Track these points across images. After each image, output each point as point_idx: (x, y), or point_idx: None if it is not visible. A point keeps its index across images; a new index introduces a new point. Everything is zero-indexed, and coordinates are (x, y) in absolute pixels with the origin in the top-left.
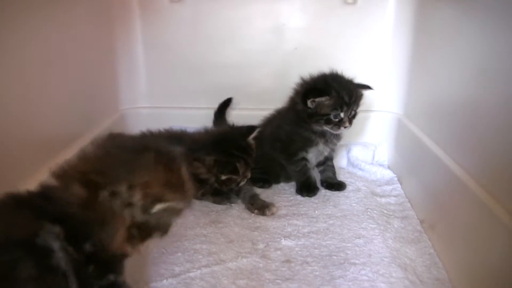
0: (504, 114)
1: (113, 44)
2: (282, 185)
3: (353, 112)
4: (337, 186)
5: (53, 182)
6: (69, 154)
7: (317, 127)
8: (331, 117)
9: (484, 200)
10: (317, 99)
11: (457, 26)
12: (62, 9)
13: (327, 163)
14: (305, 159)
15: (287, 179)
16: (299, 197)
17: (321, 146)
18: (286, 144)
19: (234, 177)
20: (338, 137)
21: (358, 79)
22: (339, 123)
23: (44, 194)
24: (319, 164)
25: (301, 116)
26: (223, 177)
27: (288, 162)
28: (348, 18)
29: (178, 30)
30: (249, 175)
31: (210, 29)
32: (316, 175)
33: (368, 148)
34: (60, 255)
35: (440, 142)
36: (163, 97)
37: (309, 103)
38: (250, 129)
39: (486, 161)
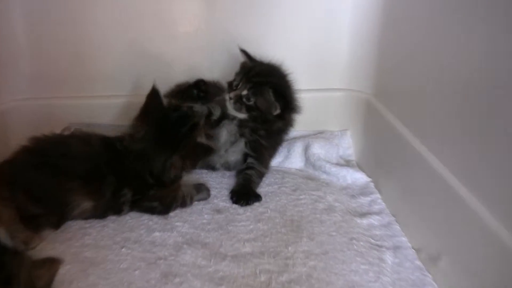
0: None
1: None
2: (235, 208)
3: None
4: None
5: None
6: None
7: None
8: None
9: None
10: None
11: None
12: None
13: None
14: None
15: None
16: (260, 225)
17: None
18: None
19: None
20: None
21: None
22: None
23: None
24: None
25: None
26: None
27: None
28: None
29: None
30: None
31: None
32: None
33: (331, 142)
34: None
35: (420, 133)
36: (52, 86)
37: None
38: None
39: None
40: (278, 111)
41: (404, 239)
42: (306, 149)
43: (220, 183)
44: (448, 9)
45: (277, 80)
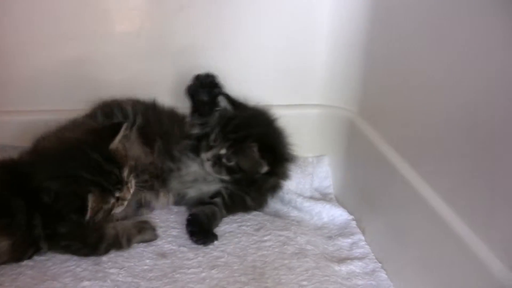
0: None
1: None
2: (184, 252)
3: None
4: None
5: None
6: None
7: None
8: None
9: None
10: None
11: None
12: None
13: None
14: None
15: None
16: (215, 272)
17: None
18: None
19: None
20: None
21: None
22: None
23: None
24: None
25: None
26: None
27: None
28: None
29: None
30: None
31: None
32: None
33: (304, 171)
34: None
35: (415, 162)
36: None
37: None
38: (113, 127)
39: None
40: (266, 168)
41: None
42: None
43: (165, 221)
44: (451, 9)
45: (263, 130)
